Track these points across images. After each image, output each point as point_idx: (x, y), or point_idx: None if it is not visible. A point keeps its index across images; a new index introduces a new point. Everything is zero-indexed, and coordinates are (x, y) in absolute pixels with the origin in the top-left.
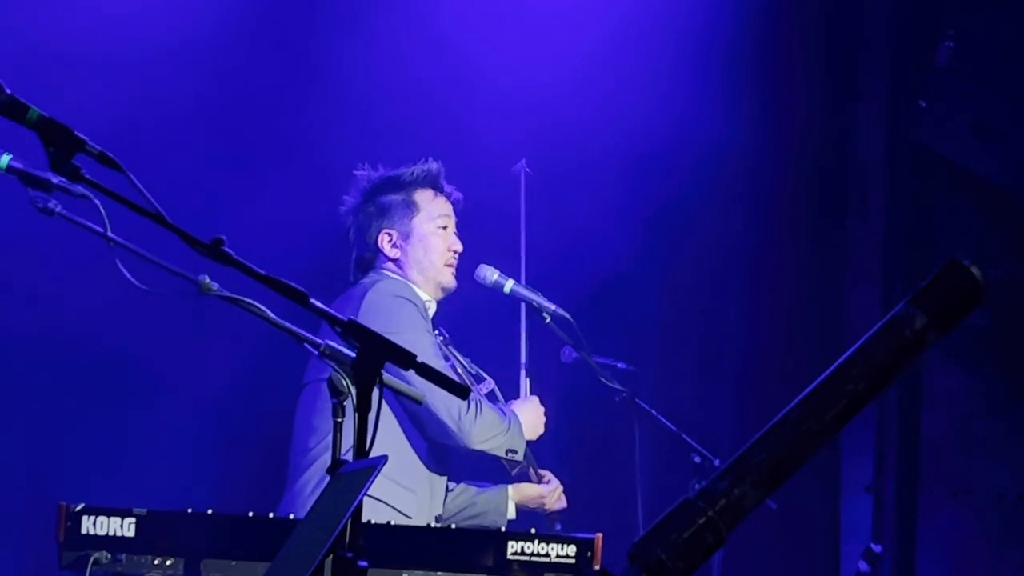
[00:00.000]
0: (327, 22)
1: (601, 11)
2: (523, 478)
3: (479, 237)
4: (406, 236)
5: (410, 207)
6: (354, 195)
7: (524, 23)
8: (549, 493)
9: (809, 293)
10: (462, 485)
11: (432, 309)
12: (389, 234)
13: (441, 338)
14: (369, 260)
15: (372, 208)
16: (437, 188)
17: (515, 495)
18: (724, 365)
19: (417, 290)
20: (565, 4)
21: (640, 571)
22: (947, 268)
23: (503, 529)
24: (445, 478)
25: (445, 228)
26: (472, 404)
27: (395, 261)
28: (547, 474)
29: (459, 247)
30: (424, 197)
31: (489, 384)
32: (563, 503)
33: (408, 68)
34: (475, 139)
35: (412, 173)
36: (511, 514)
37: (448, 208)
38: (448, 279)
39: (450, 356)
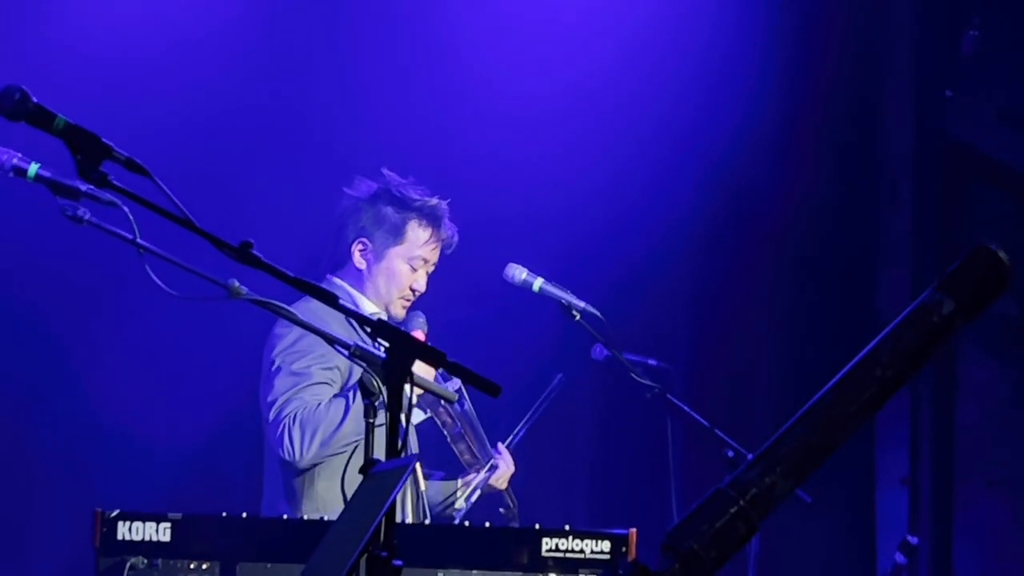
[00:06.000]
0: (350, 21)
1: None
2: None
3: (504, 232)
4: (378, 257)
5: (397, 234)
6: (365, 190)
7: None
8: (495, 479)
9: (840, 282)
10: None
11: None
12: (363, 244)
13: None
14: (341, 260)
15: (371, 213)
16: (435, 226)
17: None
18: (756, 357)
19: (366, 302)
20: None
21: (673, 561)
22: (973, 253)
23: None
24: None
25: (416, 269)
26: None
27: (358, 271)
28: (501, 452)
29: (422, 288)
30: (415, 232)
31: (455, 382)
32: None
33: (433, 59)
34: (504, 127)
35: (417, 202)
36: (460, 505)
37: (432, 252)
38: (398, 312)
39: None
